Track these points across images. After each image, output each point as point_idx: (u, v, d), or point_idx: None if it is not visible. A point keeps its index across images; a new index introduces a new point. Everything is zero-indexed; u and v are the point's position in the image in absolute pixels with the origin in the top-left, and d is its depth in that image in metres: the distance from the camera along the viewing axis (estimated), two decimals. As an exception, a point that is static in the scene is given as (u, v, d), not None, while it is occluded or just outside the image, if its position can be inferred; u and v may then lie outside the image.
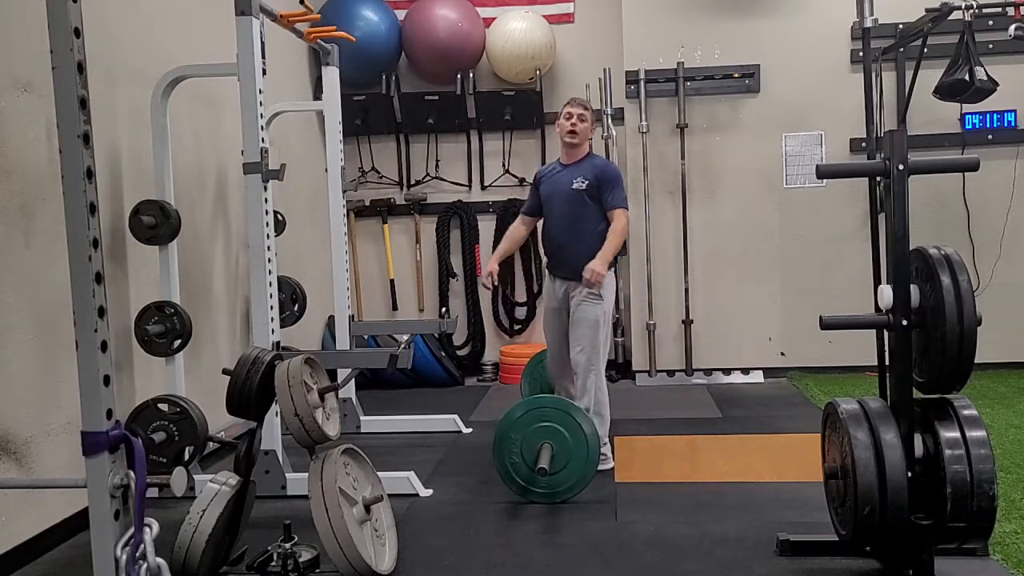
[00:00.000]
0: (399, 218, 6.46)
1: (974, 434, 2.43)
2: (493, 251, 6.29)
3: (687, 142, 5.86)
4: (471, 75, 6.19)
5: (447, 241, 6.41)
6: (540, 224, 4.24)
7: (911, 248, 2.55)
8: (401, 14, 6.18)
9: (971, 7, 4.81)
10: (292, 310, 4.71)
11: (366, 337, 5.50)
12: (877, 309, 2.59)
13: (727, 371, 5.94)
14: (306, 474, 2.67)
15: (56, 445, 3.09)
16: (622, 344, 6.12)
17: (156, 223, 3.61)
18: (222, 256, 4.52)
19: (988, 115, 5.63)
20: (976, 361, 2.45)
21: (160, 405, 3.25)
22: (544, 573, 2.82)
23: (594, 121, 4.18)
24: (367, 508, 2.73)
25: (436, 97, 6.25)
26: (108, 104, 3.55)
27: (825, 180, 5.46)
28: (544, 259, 4.30)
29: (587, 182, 3.94)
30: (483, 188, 6.40)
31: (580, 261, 3.83)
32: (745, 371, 5.93)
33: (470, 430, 4.71)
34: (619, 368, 6.06)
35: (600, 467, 3.72)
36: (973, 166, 2.60)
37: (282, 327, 3.92)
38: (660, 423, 4.82)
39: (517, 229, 4.32)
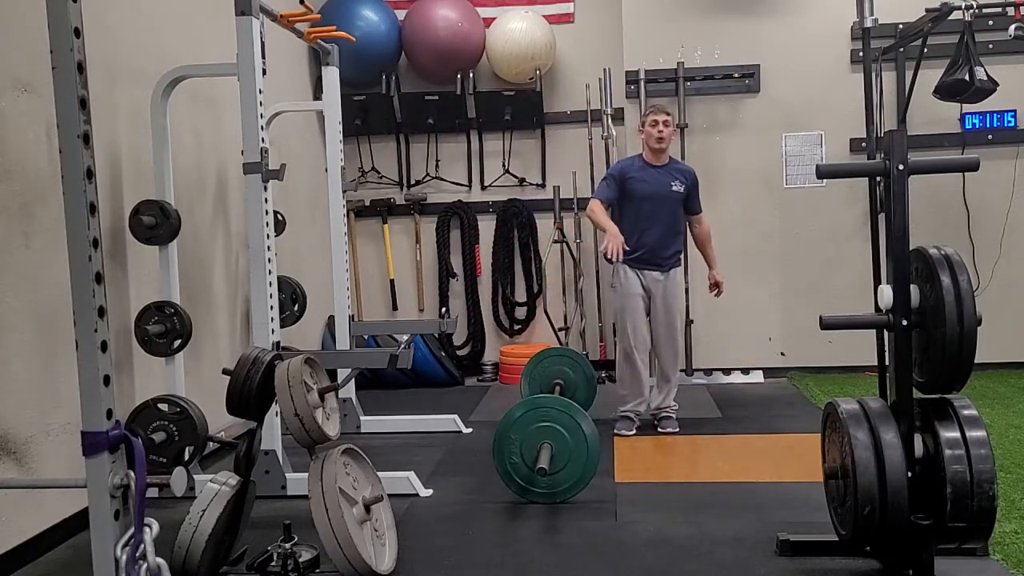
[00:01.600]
0: (399, 218, 6.46)
1: (974, 434, 2.43)
2: (493, 251, 6.36)
3: (687, 142, 5.86)
4: (471, 75, 6.19)
5: (447, 241, 6.41)
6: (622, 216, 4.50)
7: (911, 248, 2.55)
8: (401, 14, 6.18)
9: (971, 7, 4.81)
10: (292, 310, 4.71)
11: (366, 337, 5.50)
12: (877, 309, 2.59)
13: (727, 371, 5.95)
14: (306, 474, 2.67)
15: (56, 445, 3.09)
16: (622, 344, 6.11)
17: (156, 223, 3.61)
18: (222, 256, 4.52)
19: (988, 115, 5.63)
20: (976, 361, 2.45)
21: (160, 405, 3.25)
22: (544, 573, 2.82)
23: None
24: (367, 508, 2.73)
25: (436, 97, 6.25)
26: (108, 104, 3.55)
27: (825, 180, 5.47)
28: (629, 252, 4.28)
29: (684, 186, 4.45)
30: (483, 188, 6.40)
31: (672, 255, 4.48)
32: (745, 371, 5.94)
33: (470, 430, 4.71)
34: (619, 368, 6.05)
35: (672, 429, 4.51)
36: (973, 166, 2.60)
37: (282, 327, 3.92)
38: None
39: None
